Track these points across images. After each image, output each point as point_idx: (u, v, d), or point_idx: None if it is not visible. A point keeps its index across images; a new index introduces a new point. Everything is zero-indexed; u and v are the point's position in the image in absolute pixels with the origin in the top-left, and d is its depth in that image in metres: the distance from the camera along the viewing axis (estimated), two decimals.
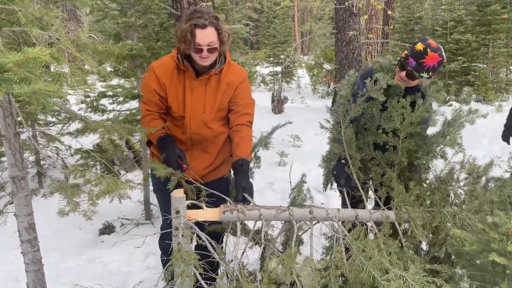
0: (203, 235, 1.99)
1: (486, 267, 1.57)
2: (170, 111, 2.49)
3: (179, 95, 2.43)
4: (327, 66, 14.05)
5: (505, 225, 1.48)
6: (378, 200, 2.35)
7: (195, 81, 2.40)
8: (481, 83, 11.06)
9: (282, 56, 17.03)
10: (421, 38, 2.39)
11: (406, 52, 2.41)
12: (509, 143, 4.04)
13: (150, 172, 2.59)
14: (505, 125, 4.08)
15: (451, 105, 10.46)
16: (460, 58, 11.26)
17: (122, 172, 5.74)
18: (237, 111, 2.46)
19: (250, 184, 2.25)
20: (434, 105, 2.42)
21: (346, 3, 9.54)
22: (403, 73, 2.40)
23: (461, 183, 2.29)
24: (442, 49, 2.37)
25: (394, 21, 14.30)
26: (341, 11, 9.72)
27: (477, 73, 11.39)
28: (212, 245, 1.98)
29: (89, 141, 4.61)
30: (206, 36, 2.22)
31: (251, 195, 2.21)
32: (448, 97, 10.81)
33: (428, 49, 2.31)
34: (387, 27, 14.65)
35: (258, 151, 2.96)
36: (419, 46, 2.33)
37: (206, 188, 2.31)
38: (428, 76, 2.37)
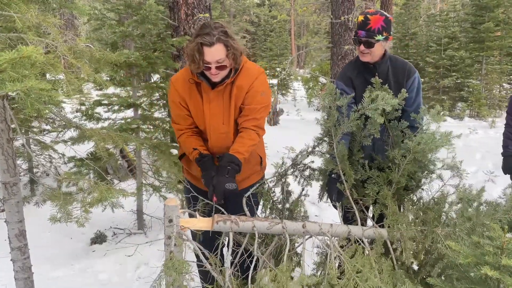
0: (195, 244, 1.97)
1: (480, 281, 1.57)
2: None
3: (199, 108, 2.37)
4: (322, 79, 14.15)
5: (499, 238, 1.48)
6: (370, 218, 2.34)
7: (212, 93, 2.33)
8: (474, 99, 11.19)
9: (278, 69, 17.22)
10: (360, 13, 2.57)
11: (354, 31, 2.58)
12: None
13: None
14: (504, 155, 3.37)
15: (445, 120, 10.54)
16: (454, 74, 11.41)
17: (116, 181, 5.71)
18: (244, 114, 2.35)
19: (220, 184, 2.12)
20: (433, 126, 2.39)
21: (342, 18, 9.65)
22: (362, 47, 2.53)
23: (454, 207, 2.27)
24: (382, 11, 2.55)
25: None
26: (337, 25, 9.81)
27: (471, 89, 11.53)
28: (204, 255, 1.96)
29: (83, 149, 4.59)
30: (213, 54, 2.14)
31: (219, 196, 2.11)
32: (442, 112, 10.89)
33: (368, 15, 2.50)
34: None
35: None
36: (360, 18, 2.52)
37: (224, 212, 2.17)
38: (383, 37, 2.51)
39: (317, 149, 2.53)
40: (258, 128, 2.36)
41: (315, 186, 2.77)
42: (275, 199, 2.51)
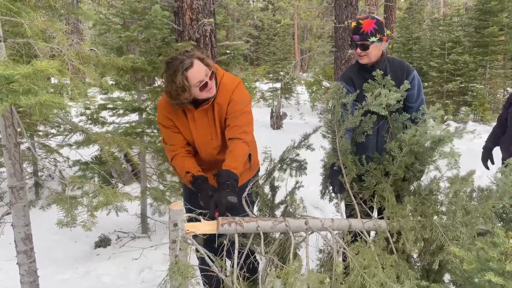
0: (201, 248, 1.98)
1: (484, 286, 1.57)
2: None
3: (186, 127, 2.48)
4: (326, 83, 14.15)
5: (503, 244, 1.48)
6: (368, 210, 2.42)
7: (195, 112, 2.44)
8: (478, 103, 11.15)
9: (281, 73, 17.23)
10: (352, 20, 2.63)
11: (350, 37, 2.70)
12: (487, 168, 3.88)
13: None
14: (483, 147, 3.94)
15: (448, 124, 10.52)
16: (458, 78, 11.37)
17: (120, 184, 5.73)
18: (227, 124, 2.47)
19: (222, 198, 2.09)
20: (432, 123, 2.44)
21: (346, 22, 9.67)
22: (358, 50, 2.66)
23: (450, 195, 2.30)
24: (372, 15, 2.68)
25: (392, 40, 14.48)
26: (341, 30, 9.84)
27: (475, 94, 11.49)
28: (210, 258, 1.97)
29: (88, 153, 4.61)
30: (199, 71, 2.27)
31: (221, 210, 2.07)
32: (446, 117, 10.88)
33: (360, 20, 2.64)
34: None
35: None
36: (353, 24, 2.66)
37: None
38: (377, 38, 2.62)
39: (302, 143, 2.69)
40: (244, 134, 2.43)
41: (317, 189, 2.80)
42: (264, 196, 2.56)
